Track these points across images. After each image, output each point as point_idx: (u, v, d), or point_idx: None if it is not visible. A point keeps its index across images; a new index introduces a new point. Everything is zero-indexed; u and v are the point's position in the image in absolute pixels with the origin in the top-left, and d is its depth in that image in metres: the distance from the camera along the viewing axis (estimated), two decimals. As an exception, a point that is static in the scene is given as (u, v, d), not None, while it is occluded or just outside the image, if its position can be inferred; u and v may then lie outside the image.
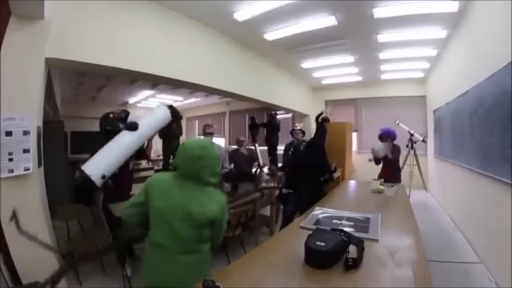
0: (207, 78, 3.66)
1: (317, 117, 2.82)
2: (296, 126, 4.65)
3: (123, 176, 2.72)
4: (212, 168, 1.25)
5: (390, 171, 3.60)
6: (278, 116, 6.16)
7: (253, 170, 4.88)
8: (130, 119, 2.47)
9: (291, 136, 4.52)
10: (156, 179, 1.27)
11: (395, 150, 3.65)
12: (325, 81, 6.90)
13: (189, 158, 1.20)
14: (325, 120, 2.81)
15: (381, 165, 3.72)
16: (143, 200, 1.23)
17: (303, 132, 4.39)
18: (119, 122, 2.46)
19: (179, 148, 1.25)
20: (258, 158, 4.79)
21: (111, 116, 2.53)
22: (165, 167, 4.27)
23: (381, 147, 3.65)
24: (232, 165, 4.13)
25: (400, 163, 4.07)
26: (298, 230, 1.65)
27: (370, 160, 4.06)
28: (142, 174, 5.16)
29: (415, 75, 6.09)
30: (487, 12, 2.56)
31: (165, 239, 1.17)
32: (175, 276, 1.17)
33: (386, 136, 3.72)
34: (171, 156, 4.21)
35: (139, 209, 1.25)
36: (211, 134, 3.34)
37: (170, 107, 2.81)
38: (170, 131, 3.67)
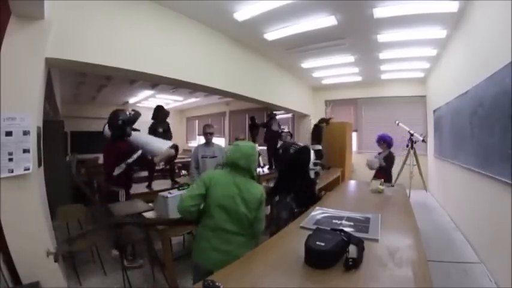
0: (207, 78, 3.66)
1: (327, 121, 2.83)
2: (284, 129, 4.73)
3: (126, 178, 2.77)
4: (255, 164, 1.65)
5: (381, 175, 3.69)
6: (278, 117, 6.16)
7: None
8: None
9: (278, 139, 4.56)
10: (213, 174, 1.57)
11: (389, 159, 3.74)
12: (325, 81, 6.91)
13: (245, 155, 1.54)
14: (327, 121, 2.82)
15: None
16: (203, 192, 1.47)
17: (291, 135, 4.45)
18: (129, 122, 2.74)
19: (234, 148, 1.59)
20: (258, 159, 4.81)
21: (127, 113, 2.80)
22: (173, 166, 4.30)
23: (375, 160, 3.79)
24: None
25: (395, 173, 4.16)
26: (298, 230, 1.65)
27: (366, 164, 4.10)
28: (143, 174, 5.16)
29: (415, 75, 6.09)
30: (487, 12, 2.56)
31: (224, 223, 1.44)
32: (231, 252, 1.41)
33: (383, 142, 3.84)
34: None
35: (199, 200, 1.47)
36: (211, 134, 3.33)
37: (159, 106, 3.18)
38: (159, 134, 3.66)
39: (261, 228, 1.56)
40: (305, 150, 2.37)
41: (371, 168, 3.82)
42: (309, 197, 2.35)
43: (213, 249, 1.45)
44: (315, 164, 2.51)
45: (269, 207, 2.80)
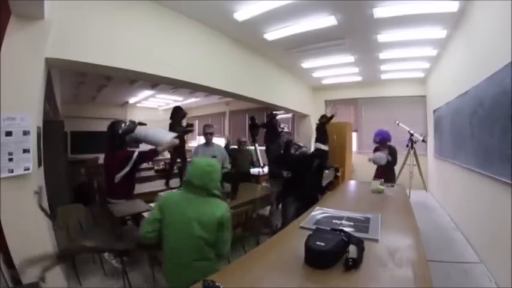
0: (207, 78, 3.66)
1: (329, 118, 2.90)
2: (283, 128, 4.73)
3: (128, 177, 2.79)
4: (216, 182, 1.51)
5: (384, 173, 3.70)
6: (278, 117, 6.15)
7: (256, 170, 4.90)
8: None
9: (278, 137, 4.55)
10: (168, 197, 1.51)
11: (393, 153, 3.76)
12: (325, 81, 6.90)
13: (200, 173, 1.44)
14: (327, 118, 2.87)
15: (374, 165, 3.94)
16: (159, 216, 1.42)
17: (290, 133, 4.48)
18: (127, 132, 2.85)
19: (191, 165, 1.52)
20: (258, 159, 4.80)
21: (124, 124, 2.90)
22: (172, 167, 4.32)
23: (381, 156, 3.81)
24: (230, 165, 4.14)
25: (398, 167, 4.21)
26: (298, 230, 1.65)
27: (370, 160, 4.10)
28: (143, 174, 5.17)
29: (415, 75, 6.08)
30: (487, 12, 2.56)
31: (181, 249, 1.36)
32: (190, 279, 1.24)
33: (380, 140, 3.87)
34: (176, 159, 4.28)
35: (156, 225, 1.42)
36: (211, 134, 3.34)
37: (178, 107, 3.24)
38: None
39: (225, 250, 1.46)
40: (323, 152, 2.52)
41: (378, 164, 3.83)
42: (316, 197, 2.44)
43: (174, 274, 1.42)
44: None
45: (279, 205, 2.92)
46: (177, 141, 3.01)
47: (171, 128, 3.85)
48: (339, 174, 4.31)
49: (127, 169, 2.67)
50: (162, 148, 2.90)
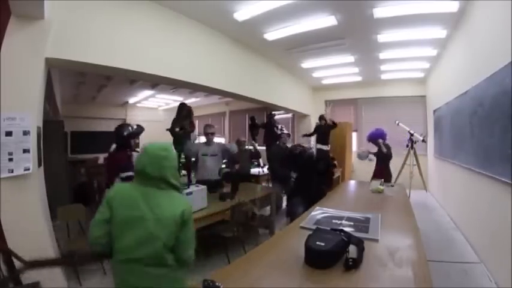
0: (207, 78, 3.66)
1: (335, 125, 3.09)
2: (283, 130, 4.76)
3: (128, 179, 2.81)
4: (175, 170, 1.25)
5: (382, 173, 3.77)
6: (277, 117, 6.14)
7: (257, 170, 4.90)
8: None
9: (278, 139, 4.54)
10: (117, 190, 1.21)
11: (380, 148, 4.01)
12: (325, 81, 6.91)
13: (153, 160, 1.18)
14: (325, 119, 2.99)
15: (374, 165, 4.09)
16: (108, 216, 1.14)
17: (289, 135, 4.56)
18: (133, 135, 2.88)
19: (140, 153, 1.24)
20: (257, 151, 4.78)
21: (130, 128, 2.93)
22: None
23: (363, 154, 4.19)
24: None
25: (398, 167, 4.38)
26: (298, 230, 1.65)
27: (370, 160, 4.13)
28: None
29: (415, 75, 6.09)
30: (487, 12, 2.56)
31: (135, 252, 1.10)
32: None
33: (369, 139, 4.12)
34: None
35: (106, 228, 1.14)
36: (212, 134, 3.35)
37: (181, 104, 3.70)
38: (181, 129, 3.75)
39: (187, 255, 1.19)
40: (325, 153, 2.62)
41: (360, 158, 4.19)
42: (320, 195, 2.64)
43: (126, 283, 1.14)
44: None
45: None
46: None
47: (172, 125, 3.84)
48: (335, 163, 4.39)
49: (130, 173, 2.70)
50: None
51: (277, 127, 5.23)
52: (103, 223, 1.15)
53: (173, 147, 1.34)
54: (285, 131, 4.64)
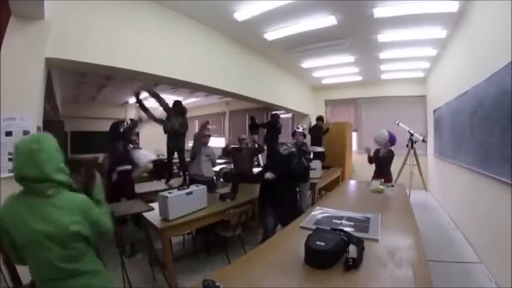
0: (207, 78, 3.66)
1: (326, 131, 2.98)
2: (298, 128, 4.41)
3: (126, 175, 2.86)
4: (58, 162, 1.03)
5: (382, 175, 3.75)
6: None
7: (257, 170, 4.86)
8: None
9: (292, 138, 4.44)
10: (4, 209, 1.02)
11: (390, 154, 3.84)
12: (325, 81, 6.91)
13: (26, 156, 0.98)
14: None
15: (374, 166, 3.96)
16: (9, 242, 0.98)
17: (304, 135, 4.03)
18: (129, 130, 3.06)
19: (13, 154, 1.04)
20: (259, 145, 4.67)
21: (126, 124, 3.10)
22: (169, 164, 4.28)
23: (384, 134, 3.90)
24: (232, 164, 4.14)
25: (398, 167, 4.25)
26: (298, 230, 1.65)
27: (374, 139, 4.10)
28: (145, 174, 5.14)
29: (415, 75, 6.09)
30: (487, 12, 2.56)
31: (43, 271, 0.98)
32: None
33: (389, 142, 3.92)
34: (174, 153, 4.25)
35: (18, 253, 1.00)
36: (208, 137, 3.42)
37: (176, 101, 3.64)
38: (174, 128, 3.74)
39: (108, 225, 1.12)
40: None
41: (380, 143, 3.93)
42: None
43: None
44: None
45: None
46: (150, 166, 3.39)
47: (164, 123, 3.83)
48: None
49: (127, 166, 2.79)
50: (136, 174, 3.10)
51: (280, 128, 5.18)
52: (12, 250, 1.00)
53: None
54: (300, 129, 4.03)
